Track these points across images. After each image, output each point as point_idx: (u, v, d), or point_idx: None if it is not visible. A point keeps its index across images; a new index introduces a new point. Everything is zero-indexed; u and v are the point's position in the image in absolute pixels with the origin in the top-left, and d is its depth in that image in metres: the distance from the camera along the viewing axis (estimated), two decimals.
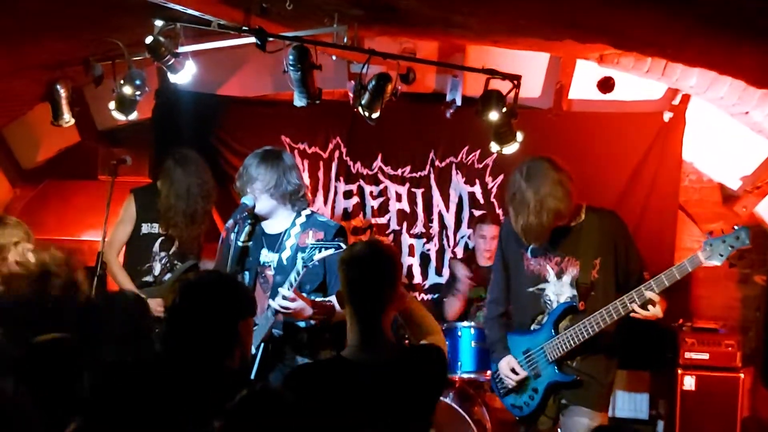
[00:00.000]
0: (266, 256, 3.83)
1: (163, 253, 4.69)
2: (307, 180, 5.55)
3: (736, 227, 3.29)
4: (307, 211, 3.81)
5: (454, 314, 5.09)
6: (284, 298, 3.43)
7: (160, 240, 4.67)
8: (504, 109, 4.15)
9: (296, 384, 2.52)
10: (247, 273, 3.83)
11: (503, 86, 4.25)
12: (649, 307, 3.36)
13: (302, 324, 3.68)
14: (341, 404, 2.39)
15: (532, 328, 3.66)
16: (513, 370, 3.66)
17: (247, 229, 3.84)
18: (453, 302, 5.12)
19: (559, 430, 3.70)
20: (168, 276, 4.67)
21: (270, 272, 3.81)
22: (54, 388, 2.42)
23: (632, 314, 3.40)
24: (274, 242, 3.81)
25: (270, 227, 3.85)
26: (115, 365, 2.60)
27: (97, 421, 2.34)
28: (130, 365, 2.54)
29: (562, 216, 3.46)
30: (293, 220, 3.78)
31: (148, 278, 4.66)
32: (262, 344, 3.66)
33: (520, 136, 4.25)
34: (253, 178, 3.73)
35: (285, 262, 3.71)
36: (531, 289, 3.66)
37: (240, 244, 3.84)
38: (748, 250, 5.41)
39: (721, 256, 3.28)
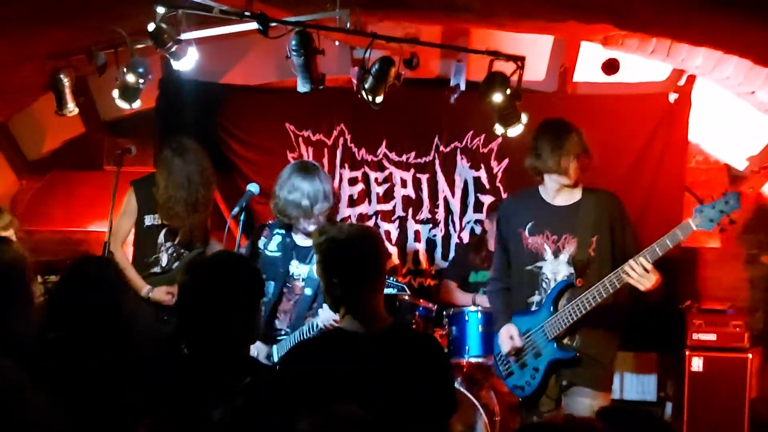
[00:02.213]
0: (296, 268, 3.84)
1: (168, 244, 4.68)
2: None
3: (725, 193, 3.29)
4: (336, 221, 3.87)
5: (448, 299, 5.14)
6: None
7: (164, 231, 4.66)
8: (508, 91, 4.14)
9: (297, 355, 2.58)
10: (272, 283, 3.83)
11: (507, 69, 4.24)
12: (641, 271, 3.35)
13: None
14: (340, 372, 2.43)
15: (532, 309, 3.69)
16: (511, 338, 3.68)
17: (277, 239, 3.83)
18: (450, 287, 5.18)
19: (562, 411, 3.71)
20: (176, 266, 4.68)
21: (299, 284, 3.83)
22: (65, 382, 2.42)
23: (626, 279, 3.39)
24: (306, 254, 3.83)
25: (302, 239, 3.87)
26: (129, 348, 2.62)
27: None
28: (145, 347, 2.56)
29: (583, 162, 3.58)
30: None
31: (156, 269, 4.66)
32: None
33: (524, 117, 4.24)
34: (316, 215, 3.74)
35: (315, 275, 3.73)
36: (529, 267, 3.70)
37: (268, 254, 3.85)
38: (756, 231, 5.46)
39: (712, 221, 3.28)
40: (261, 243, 3.88)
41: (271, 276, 3.80)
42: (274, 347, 3.84)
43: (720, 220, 3.27)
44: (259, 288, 2.53)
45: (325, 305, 3.57)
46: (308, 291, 3.75)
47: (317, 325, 3.60)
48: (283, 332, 3.89)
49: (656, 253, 3.34)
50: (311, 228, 3.78)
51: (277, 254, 3.85)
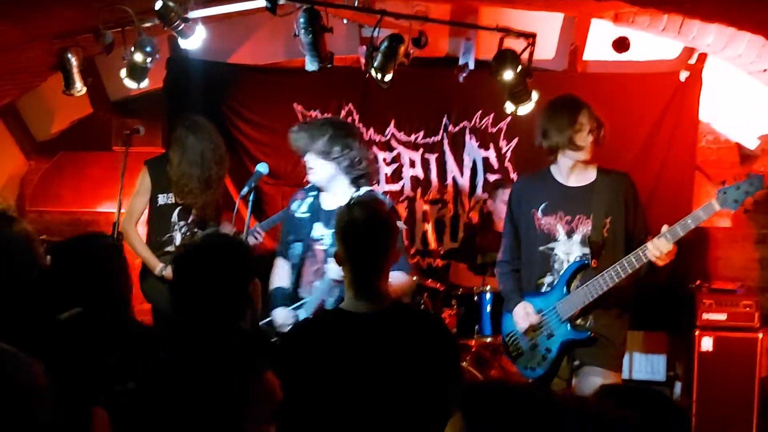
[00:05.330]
0: (318, 230, 3.80)
1: (182, 222, 4.69)
2: None
3: (749, 174, 3.30)
4: (363, 190, 3.77)
5: (458, 281, 5.13)
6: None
7: (177, 210, 4.68)
8: (519, 68, 4.11)
9: (296, 336, 2.60)
10: (300, 244, 3.80)
11: (518, 47, 4.21)
12: (663, 251, 3.35)
13: None
14: (339, 352, 2.44)
15: (543, 290, 3.67)
16: (527, 314, 3.66)
17: (309, 201, 3.82)
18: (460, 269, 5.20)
19: (573, 390, 3.70)
20: None
21: (320, 247, 3.79)
22: (82, 361, 2.43)
23: (650, 257, 3.37)
24: (329, 218, 3.78)
25: (327, 202, 3.82)
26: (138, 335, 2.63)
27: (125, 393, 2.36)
28: (152, 333, 2.57)
29: (598, 136, 3.56)
30: (349, 197, 3.76)
31: (170, 248, 4.67)
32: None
33: (535, 95, 4.21)
34: (307, 141, 3.71)
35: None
36: (542, 248, 3.66)
37: (298, 215, 3.83)
38: (767, 211, 5.44)
39: (736, 202, 3.28)
40: (294, 206, 3.88)
41: (299, 237, 3.81)
42: (299, 311, 3.82)
43: (744, 201, 3.27)
44: (246, 270, 2.53)
45: (330, 259, 3.58)
46: (329, 254, 3.71)
47: (330, 281, 3.61)
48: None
49: (678, 234, 3.34)
50: (310, 174, 3.79)
51: (306, 215, 3.84)
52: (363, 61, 4.38)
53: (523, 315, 3.68)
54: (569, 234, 3.61)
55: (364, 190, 3.78)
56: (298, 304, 3.77)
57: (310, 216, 3.81)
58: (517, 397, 1.73)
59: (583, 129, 3.55)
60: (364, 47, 4.34)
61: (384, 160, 5.63)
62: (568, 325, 3.57)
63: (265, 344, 2.73)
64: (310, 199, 3.85)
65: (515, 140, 5.49)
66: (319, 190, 3.84)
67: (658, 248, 3.35)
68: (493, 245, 5.06)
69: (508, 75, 4.14)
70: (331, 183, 3.78)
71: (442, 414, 2.46)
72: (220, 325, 2.39)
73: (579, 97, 3.66)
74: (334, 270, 3.52)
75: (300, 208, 3.86)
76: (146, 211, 4.76)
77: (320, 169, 3.74)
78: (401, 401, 2.43)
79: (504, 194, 5.16)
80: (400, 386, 2.44)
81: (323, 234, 3.78)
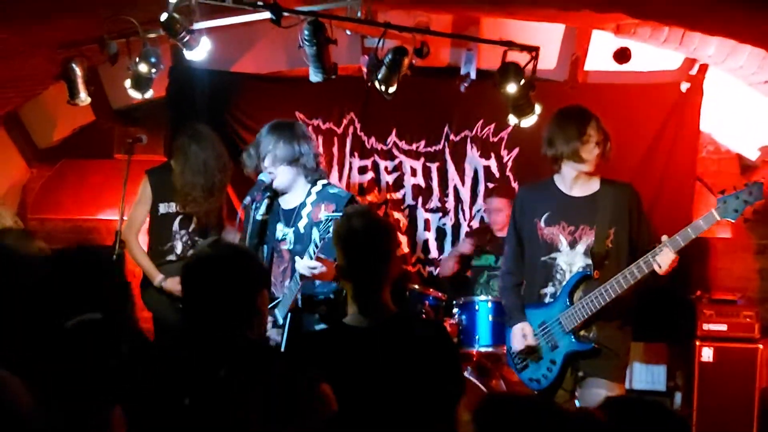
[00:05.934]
0: (281, 230, 3.87)
1: (183, 231, 4.71)
2: None
3: (747, 183, 3.32)
4: (320, 185, 3.84)
5: (449, 272, 5.19)
6: (310, 266, 3.51)
7: (178, 219, 4.69)
8: (522, 81, 4.13)
9: (299, 351, 2.61)
10: (265, 247, 3.88)
11: (520, 58, 4.23)
12: (668, 262, 3.38)
13: (320, 297, 3.76)
14: (342, 368, 2.44)
15: (546, 300, 3.68)
16: (524, 336, 3.67)
17: (265, 203, 3.89)
18: (448, 261, 5.28)
19: (576, 402, 3.72)
20: (191, 253, 4.69)
21: (285, 247, 3.86)
22: (83, 365, 2.43)
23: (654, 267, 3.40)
24: (290, 217, 3.86)
25: (286, 202, 3.90)
26: (141, 342, 2.63)
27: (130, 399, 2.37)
28: (155, 343, 2.57)
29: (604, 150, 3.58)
30: (307, 193, 3.83)
31: (171, 257, 4.69)
32: (289, 314, 3.71)
33: (538, 108, 4.23)
34: (266, 150, 3.77)
35: (302, 232, 3.76)
36: (544, 258, 3.68)
37: (259, 218, 3.88)
38: (767, 222, 5.45)
39: (736, 212, 3.31)
40: (252, 211, 3.92)
41: (263, 240, 3.88)
42: (275, 311, 3.86)
43: (744, 210, 3.29)
44: (260, 280, 2.53)
45: (298, 258, 3.62)
46: (295, 251, 3.77)
47: (299, 277, 3.63)
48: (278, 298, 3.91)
49: (679, 244, 3.37)
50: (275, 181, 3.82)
51: (267, 218, 3.91)
52: (365, 70, 4.39)
53: (519, 337, 3.70)
54: (572, 244, 3.63)
55: (321, 184, 3.85)
56: (274, 303, 3.81)
57: (271, 218, 3.89)
58: (524, 408, 1.74)
59: (591, 141, 3.56)
60: (366, 57, 4.36)
61: (386, 168, 5.65)
62: (572, 336, 3.59)
63: (271, 352, 2.72)
64: (267, 201, 3.92)
65: (516, 150, 5.51)
66: (274, 192, 3.89)
67: (661, 259, 3.37)
68: (493, 249, 5.09)
69: (511, 88, 4.15)
70: (292, 185, 3.85)
71: (444, 422, 2.50)
72: (223, 332, 2.40)
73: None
74: (301, 266, 3.56)
75: (260, 210, 3.91)
76: (147, 220, 4.77)
77: (282, 173, 3.81)
78: (405, 414, 2.44)
79: (491, 203, 5.22)
80: (403, 398, 2.45)
81: (286, 233, 3.84)
